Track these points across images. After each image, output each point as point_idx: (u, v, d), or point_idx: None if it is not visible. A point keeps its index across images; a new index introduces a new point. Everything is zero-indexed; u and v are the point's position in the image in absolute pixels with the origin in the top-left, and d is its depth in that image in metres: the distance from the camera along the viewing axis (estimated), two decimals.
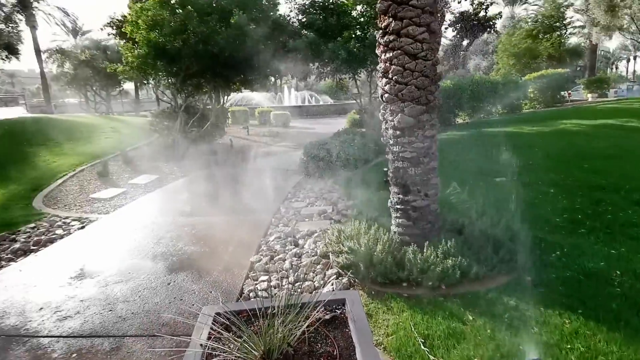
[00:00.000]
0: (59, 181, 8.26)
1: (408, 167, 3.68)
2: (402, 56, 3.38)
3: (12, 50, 20.48)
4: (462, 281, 3.27)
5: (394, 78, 3.48)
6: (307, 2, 10.84)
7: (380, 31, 3.54)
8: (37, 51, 28.04)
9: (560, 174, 6.40)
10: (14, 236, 5.40)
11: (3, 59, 21.15)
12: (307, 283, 3.70)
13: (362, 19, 11.18)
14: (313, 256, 4.30)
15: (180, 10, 9.88)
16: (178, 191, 7.67)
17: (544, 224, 4.52)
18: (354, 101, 37.16)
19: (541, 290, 3.15)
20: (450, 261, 3.31)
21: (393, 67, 3.44)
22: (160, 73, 10.15)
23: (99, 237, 5.29)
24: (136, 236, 5.22)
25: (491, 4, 14.27)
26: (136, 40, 9.91)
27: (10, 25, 15.15)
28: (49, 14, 31.39)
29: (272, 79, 12.87)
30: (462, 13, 13.90)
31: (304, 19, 11.20)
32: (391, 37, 3.40)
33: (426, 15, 3.30)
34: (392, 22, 3.35)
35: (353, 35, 9.83)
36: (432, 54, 3.42)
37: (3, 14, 14.31)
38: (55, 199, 7.28)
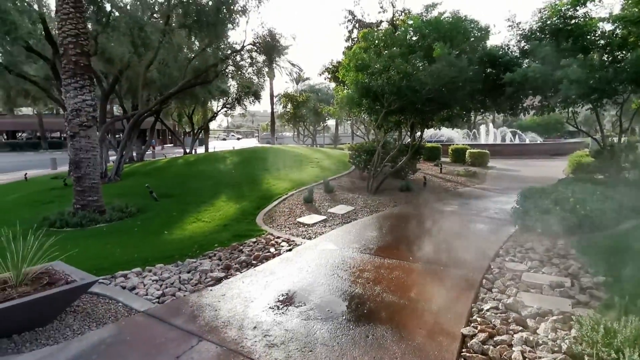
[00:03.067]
0: (275, 202, 9.57)
1: None
2: None
3: (257, 97, 26.57)
4: None
5: None
6: (534, 26, 9.36)
7: None
8: (271, 96, 35.57)
9: None
10: (241, 247, 6.33)
11: (251, 103, 27.66)
12: None
13: (610, 40, 8.82)
14: (556, 351, 3.10)
15: (385, 51, 10.24)
16: (372, 226, 7.55)
17: None
18: (573, 140, 30.55)
19: None
20: None
21: None
22: (364, 110, 10.68)
23: (303, 262, 5.54)
24: (335, 269, 5.19)
25: None
26: (346, 82, 10.83)
27: (260, 77, 19.63)
28: (283, 67, 39.64)
29: (465, 115, 11.61)
30: None
31: (526, 46, 9.71)
32: None
33: None
34: None
35: (602, 58, 7.74)
36: None
37: (257, 69, 18.58)
38: (271, 218, 8.36)
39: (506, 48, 10.04)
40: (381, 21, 24.11)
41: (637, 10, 7.53)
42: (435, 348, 3.27)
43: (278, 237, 6.87)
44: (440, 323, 3.69)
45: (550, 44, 8.89)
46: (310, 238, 6.87)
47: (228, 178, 12.47)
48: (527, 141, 28.29)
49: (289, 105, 34.02)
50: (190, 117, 30.49)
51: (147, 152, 27.04)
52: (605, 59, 8.58)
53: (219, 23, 13.91)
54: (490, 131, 30.95)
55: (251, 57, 18.39)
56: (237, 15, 15.03)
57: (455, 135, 29.41)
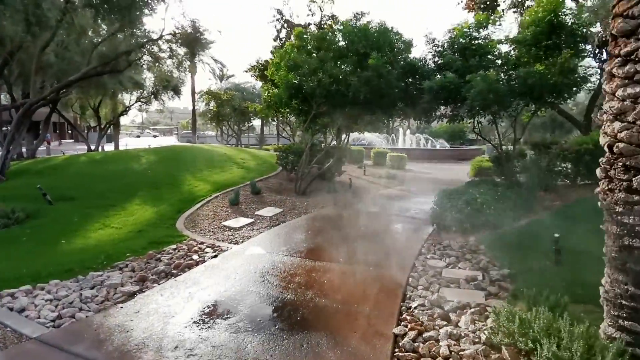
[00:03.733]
0: (198, 205, 8.93)
1: None
2: None
3: (176, 92, 24.77)
4: None
5: (638, 122, 2.48)
6: (445, 44, 10.25)
7: (617, 59, 2.62)
8: (193, 92, 33.55)
9: None
10: (159, 256, 5.71)
11: (169, 98, 25.68)
12: None
13: (506, 59, 10.05)
14: (476, 343, 3.32)
15: (315, 54, 10.33)
16: (301, 228, 7.46)
17: None
18: (474, 147, 34.36)
19: None
20: None
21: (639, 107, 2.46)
22: (293, 111, 10.58)
23: (231, 269, 5.20)
24: (265, 275, 4.96)
25: None
26: (275, 81, 10.63)
27: (181, 71, 18.32)
28: (206, 62, 37.61)
29: (387, 120, 12.29)
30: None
31: (440, 61, 10.58)
32: (639, 67, 2.45)
33: None
34: None
35: (499, 73, 8.75)
36: None
37: (177, 61, 17.29)
38: (194, 222, 7.76)
39: (424, 61, 10.81)
40: (309, 24, 24.37)
41: (529, 34, 8.66)
42: (369, 351, 3.27)
43: (202, 243, 6.38)
44: (372, 324, 3.72)
45: (460, 60, 9.81)
46: (237, 243, 6.51)
47: (143, 179, 11.32)
48: (438, 147, 31.10)
49: (212, 103, 32.47)
50: (97, 110, 27.16)
51: (40, 148, 23.35)
52: (502, 76, 9.74)
53: (132, 6, 12.56)
54: (407, 137, 33.31)
55: (171, 49, 17.06)
56: (155, 1, 13.78)
57: (375, 140, 31.02)
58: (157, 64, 18.11)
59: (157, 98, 25.85)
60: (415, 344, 3.36)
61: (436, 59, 10.71)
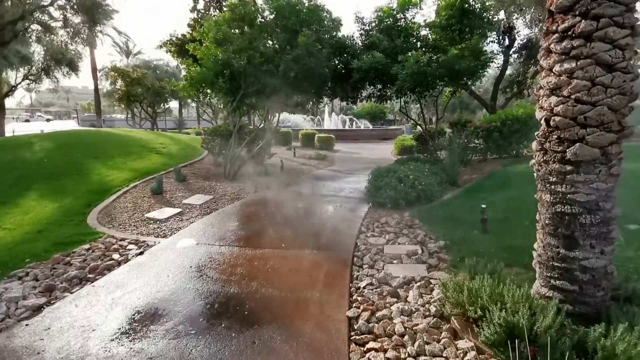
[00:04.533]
0: (113, 197, 7.87)
1: (580, 213, 2.77)
2: (592, 67, 2.55)
3: (73, 67, 21.45)
4: None
5: (573, 96, 2.64)
6: (373, 24, 10.35)
7: (554, 35, 2.74)
8: (94, 69, 29.49)
9: None
10: (68, 259, 4.86)
11: (64, 75, 22.18)
12: None
13: (426, 42, 10.53)
14: (427, 316, 3.41)
15: (248, 29, 9.64)
16: (237, 215, 7.03)
17: None
18: (395, 127, 36.31)
19: None
20: None
21: (575, 81, 2.61)
22: (220, 90, 9.81)
23: (161, 266, 4.63)
24: (202, 269, 4.52)
25: None
26: (198, 57, 9.71)
27: (78, 43, 15.70)
28: (106, 34, 33.18)
29: (317, 100, 12.18)
30: (529, 39, 12.96)
31: (368, 41, 10.68)
32: (575, 43, 2.59)
33: (630, 14, 2.48)
34: (580, 22, 2.54)
35: (423, 55, 9.13)
36: (631, 65, 2.56)
37: (73, 32, 14.77)
38: (110, 216, 6.82)
39: (352, 40, 10.80)
40: None
41: (443, 18, 9.12)
42: (325, 338, 3.14)
43: (123, 239, 5.62)
44: (325, 310, 3.59)
45: (386, 40, 10.00)
46: (165, 236, 5.87)
47: (39, 169, 9.61)
48: (362, 127, 32.21)
49: (120, 82, 28.96)
50: None
51: None
52: (425, 59, 10.23)
53: None
54: (332, 118, 33.81)
55: (65, 17, 14.52)
56: None
57: (301, 121, 30.94)
58: (48, 35, 15.33)
59: (48, 75, 22.17)
60: (370, 325, 3.32)
61: (363, 38, 10.79)
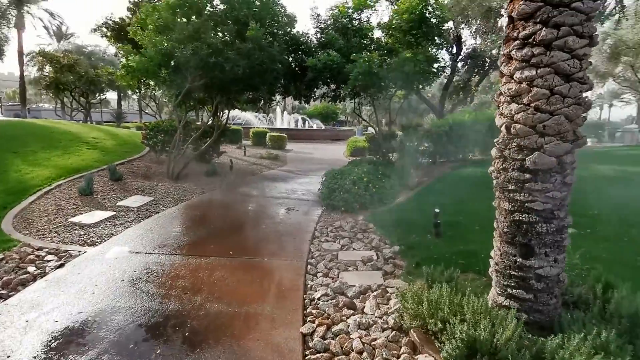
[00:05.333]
0: (32, 197, 6.87)
1: (537, 222, 2.76)
2: (551, 76, 2.52)
3: None
4: None
5: (533, 104, 2.61)
6: (328, 22, 10.19)
7: (514, 42, 2.69)
8: (20, 53, 26.26)
9: None
10: None
11: None
12: None
13: (380, 44, 10.60)
14: (386, 329, 3.24)
15: (195, 19, 8.98)
16: (180, 219, 6.46)
17: None
18: (347, 128, 36.75)
19: None
20: None
21: (535, 89, 2.57)
22: (163, 82, 9.04)
23: (86, 280, 4.02)
24: (137, 283, 3.99)
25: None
26: (139, 43, 8.87)
27: (4, 25, 13.66)
28: (36, 16, 29.72)
29: (270, 98, 11.78)
30: (474, 49, 13.69)
31: (323, 39, 10.50)
32: (535, 50, 2.55)
33: (590, 23, 2.49)
34: (540, 30, 2.51)
35: (379, 56, 9.13)
36: (586, 75, 2.58)
37: None
38: (28, 221, 5.91)
39: (307, 37, 10.56)
40: None
41: (404, 21, 9.21)
42: None
43: (40, 249, 4.86)
44: (277, 326, 3.29)
45: (342, 39, 9.90)
46: (93, 244, 5.17)
47: None
48: (315, 127, 32.16)
49: (48, 68, 26.03)
50: None
51: None
52: (378, 60, 10.28)
53: None
54: (284, 116, 33.36)
55: None
56: None
57: (253, 119, 30.14)
58: None
59: None
60: (326, 342, 3.09)
61: (319, 35, 10.59)
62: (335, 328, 3.27)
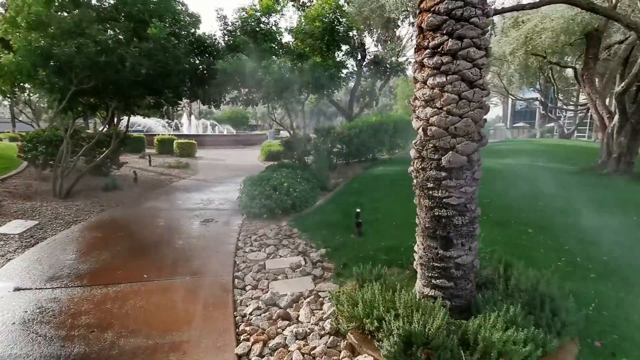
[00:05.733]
0: None
1: (454, 215, 3.02)
2: (459, 82, 2.78)
3: None
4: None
5: (445, 108, 2.84)
6: (236, 25, 9.88)
7: (426, 50, 2.90)
8: None
9: None
10: None
11: None
12: None
13: (290, 49, 10.68)
14: (323, 335, 3.22)
15: (74, 11, 7.85)
16: (75, 244, 5.55)
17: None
18: (259, 132, 36.28)
19: None
20: (522, 333, 2.67)
21: (446, 94, 2.81)
22: (41, 85, 7.69)
23: None
24: (29, 325, 3.28)
25: (401, 49, 15.57)
26: (11, 42, 7.43)
27: None
28: None
29: (176, 102, 11.04)
30: (376, 56, 14.71)
31: (232, 41, 10.14)
32: (445, 59, 2.78)
33: (485, 37, 2.81)
34: (448, 40, 2.75)
35: (291, 62, 9.15)
36: (485, 82, 2.91)
37: None
38: None
39: (214, 39, 10.08)
40: None
41: (318, 27, 9.39)
42: None
43: None
44: (208, 353, 3.02)
45: (252, 43, 9.68)
46: None
47: None
48: (225, 132, 31.01)
49: None
50: None
51: None
52: (292, 65, 10.34)
53: None
54: (192, 122, 31.47)
55: None
56: None
57: (155, 125, 27.82)
58: None
59: None
60: (264, 359, 2.93)
61: (227, 38, 10.21)
62: (272, 343, 3.13)
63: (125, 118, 10.69)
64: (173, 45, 8.38)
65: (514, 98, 32.56)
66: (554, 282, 3.32)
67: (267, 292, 4.07)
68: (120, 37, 8.21)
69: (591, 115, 13.09)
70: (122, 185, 9.69)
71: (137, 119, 24.39)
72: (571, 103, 31.44)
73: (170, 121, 31.72)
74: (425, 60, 2.90)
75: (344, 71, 10.01)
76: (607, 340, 2.96)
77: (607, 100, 12.58)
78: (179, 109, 41.55)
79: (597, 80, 12.08)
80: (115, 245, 5.47)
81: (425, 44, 2.89)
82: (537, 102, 33.66)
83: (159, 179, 11.43)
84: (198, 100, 12.08)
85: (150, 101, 10.34)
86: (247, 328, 3.35)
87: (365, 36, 13.84)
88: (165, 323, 3.42)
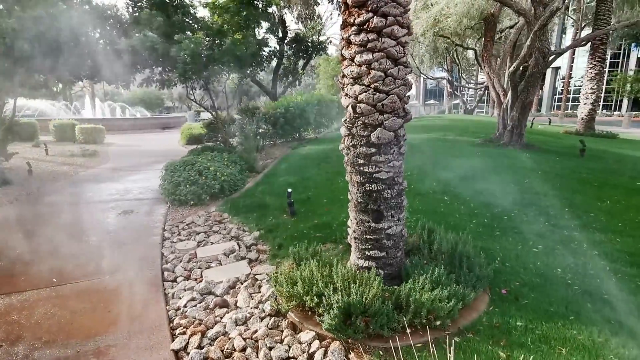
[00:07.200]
0: None
1: (383, 189, 3.17)
2: (385, 60, 2.86)
3: None
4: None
5: (372, 86, 2.92)
6: None
7: (352, 27, 2.91)
8: None
9: None
10: None
11: None
12: None
13: (208, 25, 9.98)
14: (264, 318, 3.21)
15: None
16: None
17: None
18: (177, 114, 33.80)
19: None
20: (446, 291, 2.96)
21: (373, 72, 2.88)
22: None
23: None
24: None
25: (322, 28, 15.53)
26: None
27: None
28: None
29: (72, 83, 9.78)
30: (297, 34, 14.48)
31: (137, 13, 9.11)
32: (371, 36, 2.83)
33: (407, 16, 2.91)
34: (373, 17, 2.79)
35: (207, 38, 8.56)
36: (408, 60, 3.04)
37: None
38: None
39: (115, 10, 8.93)
40: None
41: (231, 1, 8.85)
42: None
43: None
44: (141, 354, 2.81)
45: (162, 16, 8.80)
46: None
47: None
48: (139, 115, 28.26)
49: None
50: None
51: None
52: (210, 41, 9.66)
53: None
54: (97, 105, 27.99)
55: None
56: None
57: (49, 109, 24.25)
58: None
59: None
60: (204, 350, 2.82)
61: (131, 10, 9.13)
62: (211, 332, 3.03)
63: (11, 101, 9.09)
64: (60, 13, 7.24)
65: (425, 77, 35.03)
66: (469, 243, 3.72)
67: (201, 281, 3.90)
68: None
69: (489, 93, 14.70)
70: (14, 179, 8.32)
71: (24, 102, 20.95)
72: (472, 82, 34.87)
73: (68, 104, 27.86)
74: (352, 37, 2.92)
75: (266, 49, 9.67)
76: (511, 287, 3.44)
77: (503, 80, 14.21)
78: (78, 89, 36.59)
79: (494, 61, 13.54)
80: (14, 249, 4.71)
81: (352, 20, 2.90)
82: (444, 81, 36.71)
83: (61, 170, 10.04)
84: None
85: (39, 79, 8.90)
86: (183, 321, 3.18)
87: (285, 13, 13.49)
88: (85, 329, 3.08)
